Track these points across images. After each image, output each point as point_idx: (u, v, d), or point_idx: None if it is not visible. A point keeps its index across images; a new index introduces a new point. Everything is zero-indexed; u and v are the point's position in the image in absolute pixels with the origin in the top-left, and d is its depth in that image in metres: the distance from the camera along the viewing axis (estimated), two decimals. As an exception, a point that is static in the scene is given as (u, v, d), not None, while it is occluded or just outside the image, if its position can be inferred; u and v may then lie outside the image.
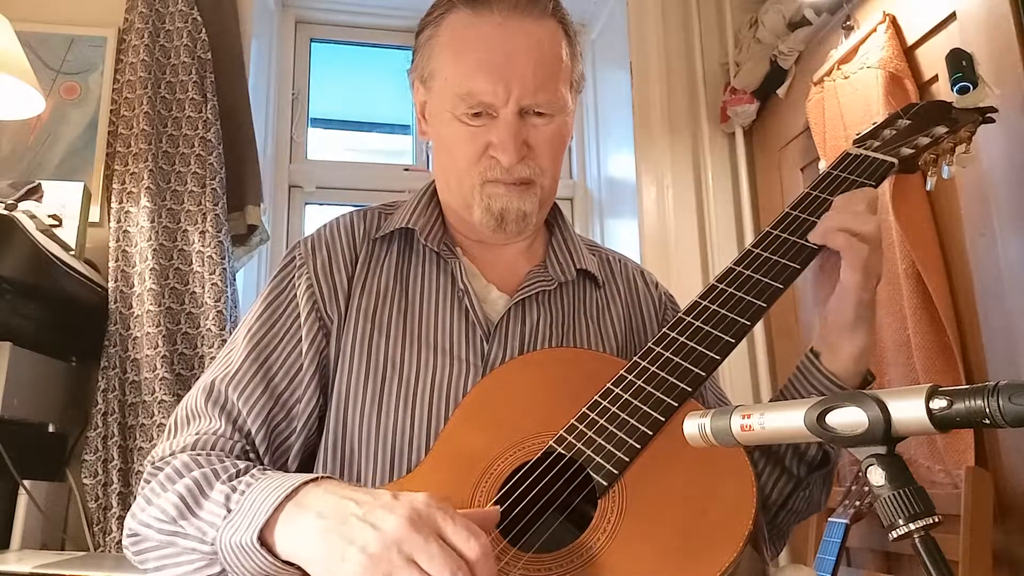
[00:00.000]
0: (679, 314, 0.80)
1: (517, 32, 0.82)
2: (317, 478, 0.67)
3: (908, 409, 0.48)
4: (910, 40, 1.63)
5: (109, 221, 1.88)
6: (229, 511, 0.68)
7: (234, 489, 0.69)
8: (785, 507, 0.85)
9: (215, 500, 0.69)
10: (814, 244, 0.79)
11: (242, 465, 0.74)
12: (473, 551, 0.58)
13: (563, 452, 0.72)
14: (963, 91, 0.90)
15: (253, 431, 0.79)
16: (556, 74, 0.84)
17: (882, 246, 0.78)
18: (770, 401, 0.86)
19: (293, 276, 0.88)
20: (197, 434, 0.78)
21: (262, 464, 0.79)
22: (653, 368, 0.75)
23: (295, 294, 0.86)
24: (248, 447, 0.79)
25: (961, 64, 0.91)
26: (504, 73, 0.81)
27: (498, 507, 0.68)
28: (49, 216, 1.72)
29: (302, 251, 0.90)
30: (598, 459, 0.70)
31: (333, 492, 0.65)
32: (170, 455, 0.77)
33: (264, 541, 0.64)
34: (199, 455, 0.75)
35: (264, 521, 0.64)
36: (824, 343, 0.81)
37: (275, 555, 0.64)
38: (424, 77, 0.88)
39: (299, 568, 0.64)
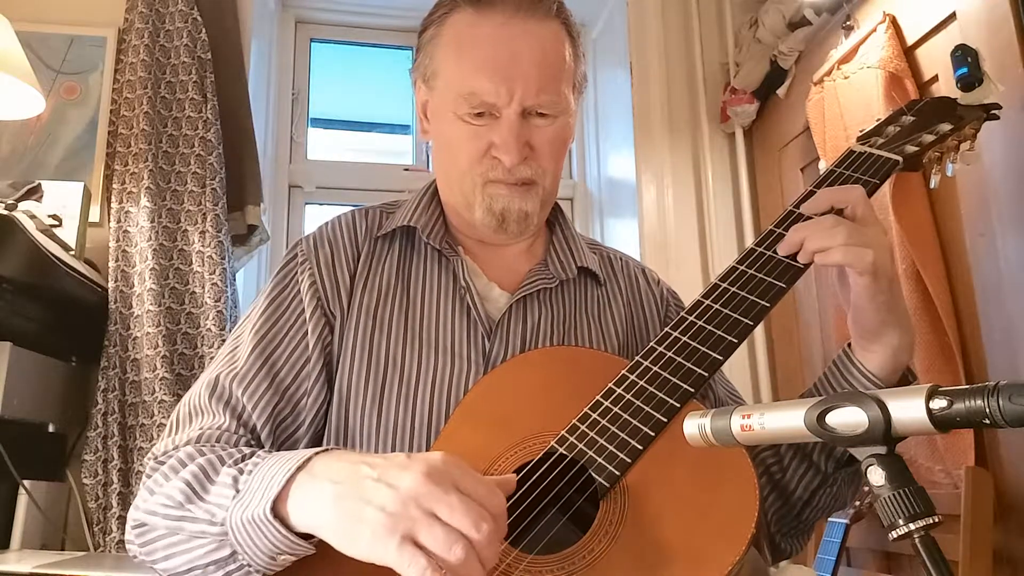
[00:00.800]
0: (682, 313, 0.79)
1: (521, 32, 0.82)
2: (326, 449, 0.67)
3: (908, 409, 0.48)
4: (910, 40, 1.63)
5: (109, 221, 1.88)
6: (238, 491, 0.66)
7: (241, 471, 0.68)
8: (811, 503, 0.84)
9: (222, 483, 0.68)
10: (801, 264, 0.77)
11: (247, 451, 0.73)
12: (495, 504, 0.58)
13: (565, 452, 0.71)
14: (968, 87, 0.90)
15: (259, 427, 0.79)
16: (559, 75, 0.84)
17: (886, 243, 0.75)
18: (802, 394, 0.85)
19: (296, 272, 0.88)
20: (201, 429, 0.77)
21: None
22: (655, 368, 0.75)
23: (299, 290, 0.86)
24: (253, 442, 0.78)
25: (966, 60, 0.91)
26: (507, 74, 0.81)
27: (514, 476, 0.67)
28: (49, 216, 1.72)
29: (304, 248, 0.90)
30: (600, 460, 0.70)
31: (344, 459, 0.64)
32: (173, 449, 0.76)
33: (277, 514, 0.63)
34: (203, 446, 0.75)
35: (277, 493, 0.63)
36: (860, 344, 0.79)
37: (288, 528, 0.63)
38: (427, 76, 0.88)
39: (312, 545, 0.64)
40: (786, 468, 0.84)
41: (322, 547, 0.63)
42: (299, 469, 0.64)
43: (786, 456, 0.84)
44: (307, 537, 0.64)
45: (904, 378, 0.80)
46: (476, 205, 0.86)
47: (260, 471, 0.67)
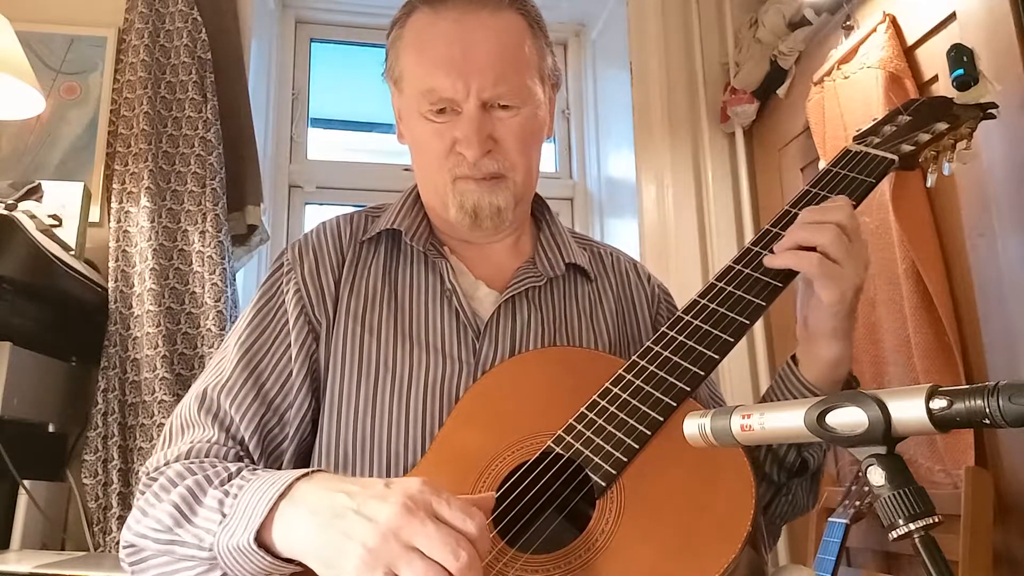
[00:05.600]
0: (678, 313, 0.80)
1: (474, 26, 0.83)
2: (308, 472, 0.68)
3: (908, 409, 0.48)
4: (910, 40, 1.63)
5: (109, 221, 1.88)
6: (224, 515, 0.68)
7: (227, 493, 0.70)
8: (767, 512, 0.86)
9: (209, 506, 0.70)
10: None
11: (233, 467, 0.74)
12: (470, 529, 0.58)
13: (561, 452, 0.72)
14: (964, 87, 0.90)
15: (246, 438, 0.79)
16: (517, 65, 0.84)
17: (856, 256, 0.75)
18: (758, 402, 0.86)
19: (281, 282, 0.88)
20: (191, 443, 0.78)
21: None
22: (652, 368, 0.75)
23: (283, 300, 0.87)
24: (242, 453, 0.80)
25: (962, 60, 0.91)
26: (462, 68, 0.82)
27: (493, 493, 0.68)
28: (49, 216, 1.72)
29: (290, 256, 0.90)
30: (596, 459, 0.70)
31: (324, 486, 0.65)
32: (164, 465, 0.77)
33: (262, 542, 0.65)
34: (192, 463, 0.76)
35: (260, 522, 0.64)
36: (803, 349, 0.82)
37: (274, 554, 0.65)
38: (395, 79, 0.90)
39: (298, 563, 0.65)
40: None
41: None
42: (281, 496, 0.65)
43: None
44: (292, 559, 0.65)
45: (848, 384, 0.82)
46: (449, 203, 0.86)
47: (245, 496, 0.68)
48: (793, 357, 0.84)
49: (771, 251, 0.79)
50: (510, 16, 0.85)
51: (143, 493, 0.76)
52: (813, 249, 0.76)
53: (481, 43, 0.82)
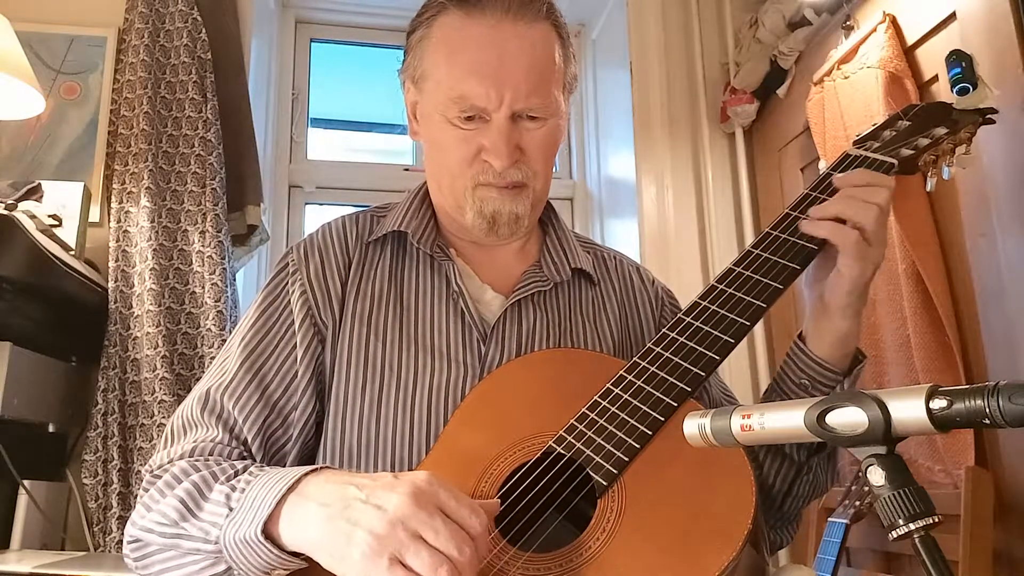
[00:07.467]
0: (679, 314, 0.80)
1: (510, 35, 0.82)
2: (316, 468, 0.68)
3: (908, 409, 0.48)
4: (910, 40, 1.63)
5: (109, 221, 1.88)
6: (231, 509, 0.68)
7: (234, 488, 0.70)
8: (790, 493, 0.86)
9: (215, 500, 0.70)
10: (813, 245, 0.79)
11: (240, 465, 0.74)
12: (475, 526, 0.60)
13: (562, 452, 0.72)
14: (963, 92, 0.91)
15: (249, 439, 0.79)
16: (549, 78, 0.84)
17: (884, 239, 0.78)
18: (766, 388, 0.85)
19: (287, 283, 0.88)
20: (194, 442, 0.78)
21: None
22: (652, 368, 0.75)
23: (289, 300, 0.86)
24: (245, 454, 0.80)
25: (961, 65, 0.91)
26: (497, 77, 0.80)
27: (499, 500, 0.68)
28: (49, 216, 1.72)
29: (295, 257, 0.89)
30: (597, 459, 0.70)
31: (333, 480, 0.65)
32: (168, 463, 0.77)
33: (268, 534, 0.65)
34: (197, 460, 0.76)
35: (267, 514, 0.65)
36: (810, 324, 0.82)
37: (280, 547, 0.65)
38: (416, 78, 0.88)
39: (305, 558, 0.65)
40: (761, 464, 0.85)
41: (315, 560, 0.64)
42: (290, 490, 0.65)
43: (760, 452, 0.85)
44: (299, 554, 0.65)
45: (855, 359, 0.83)
46: (467, 208, 0.86)
47: (252, 490, 0.68)
48: (800, 336, 0.84)
49: (770, 254, 0.79)
50: (544, 27, 0.84)
51: (147, 490, 0.76)
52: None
53: (516, 53, 0.81)
